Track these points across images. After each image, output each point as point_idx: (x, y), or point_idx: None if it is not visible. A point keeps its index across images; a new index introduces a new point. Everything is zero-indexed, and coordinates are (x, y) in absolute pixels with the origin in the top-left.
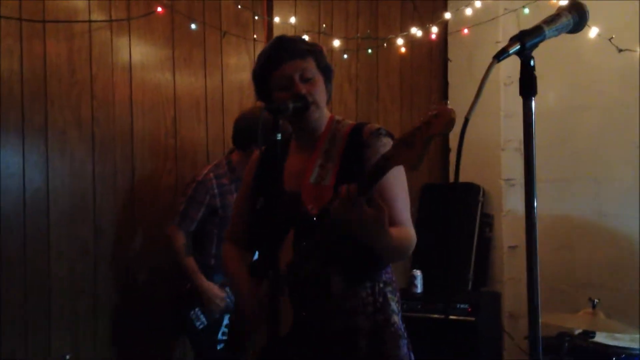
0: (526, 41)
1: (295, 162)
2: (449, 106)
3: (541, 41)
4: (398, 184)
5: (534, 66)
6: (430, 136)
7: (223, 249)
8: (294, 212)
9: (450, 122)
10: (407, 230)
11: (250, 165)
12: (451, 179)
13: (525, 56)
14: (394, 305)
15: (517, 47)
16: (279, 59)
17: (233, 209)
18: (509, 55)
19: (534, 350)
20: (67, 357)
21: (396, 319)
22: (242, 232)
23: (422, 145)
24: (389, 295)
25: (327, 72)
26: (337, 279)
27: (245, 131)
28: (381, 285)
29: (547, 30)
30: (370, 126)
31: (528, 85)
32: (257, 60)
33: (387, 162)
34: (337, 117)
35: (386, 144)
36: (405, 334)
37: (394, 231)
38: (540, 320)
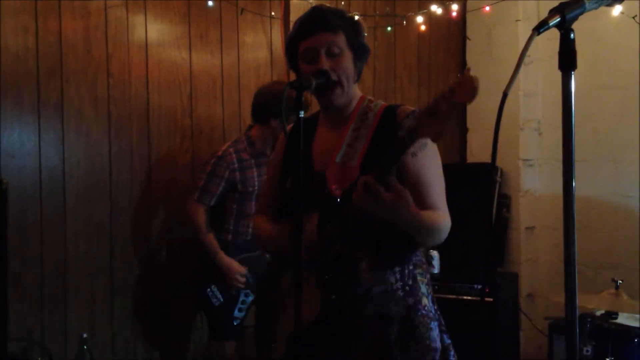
0: (566, 13)
1: (324, 141)
2: (472, 74)
3: (581, 13)
4: (433, 166)
5: (573, 39)
6: (454, 104)
7: (255, 220)
8: (319, 193)
9: (474, 90)
10: (440, 214)
11: (281, 140)
12: (468, 159)
13: (565, 29)
14: (424, 288)
15: (558, 19)
16: (309, 29)
17: (263, 186)
18: (549, 27)
19: (571, 331)
20: (84, 335)
21: (426, 301)
22: (272, 207)
23: (446, 114)
24: (419, 278)
25: (359, 49)
26: (365, 264)
27: (263, 105)
28: (411, 267)
29: (587, 3)
30: (404, 107)
31: (568, 59)
32: (292, 28)
33: (411, 135)
34: (369, 97)
35: None
36: (437, 315)
37: (425, 214)
38: (577, 302)
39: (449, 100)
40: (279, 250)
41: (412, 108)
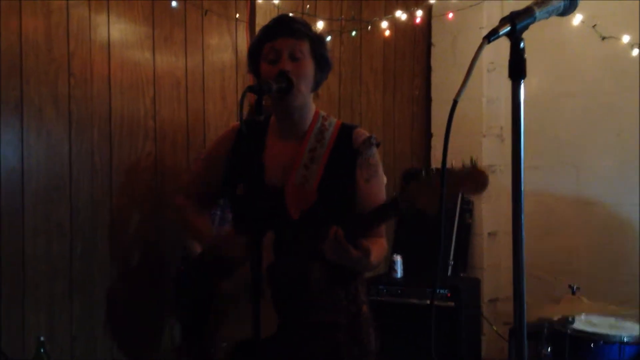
0: (517, 22)
1: (277, 153)
2: (483, 169)
3: (532, 23)
4: (381, 193)
5: (523, 48)
6: (458, 192)
7: (177, 201)
8: (275, 212)
9: (484, 187)
10: (382, 245)
11: (226, 135)
12: (432, 164)
13: (515, 38)
14: (363, 296)
15: (508, 28)
16: (275, 32)
17: (195, 169)
18: (500, 36)
19: (519, 337)
20: (42, 338)
21: (365, 308)
22: (200, 194)
23: (447, 196)
24: (359, 287)
25: (321, 61)
26: (316, 279)
27: None
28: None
29: (537, 12)
30: (359, 132)
31: (517, 67)
32: (258, 32)
33: (410, 206)
34: (322, 113)
35: (375, 153)
36: (373, 322)
37: (375, 253)
38: (525, 307)
39: (452, 188)
40: (209, 249)
41: (367, 133)
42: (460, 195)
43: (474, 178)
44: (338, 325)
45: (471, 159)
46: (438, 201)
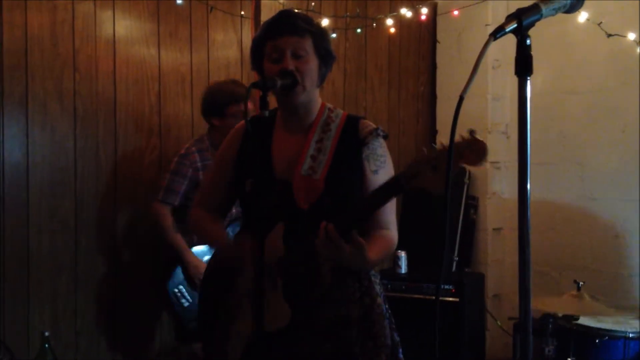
0: (523, 19)
1: (285, 145)
2: (480, 138)
3: (538, 20)
4: None
5: (530, 45)
6: (460, 166)
7: (192, 212)
8: (284, 204)
9: (483, 155)
10: (389, 238)
11: (234, 136)
12: None
13: (521, 35)
14: (377, 288)
15: (514, 25)
16: (277, 30)
17: (206, 177)
18: (506, 33)
19: (524, 332)
20: (46, 333)
21: (380, 300)
22: (214, 202)
23: (448, 170)
24: (373, 279)
25: (325, 56)
26: (326, 270)
27: (210, 102)
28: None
29: (544, 9)
30: (366, 123)
31: (524, 64)
32: (259, 29)
33: (410, 181)
34: (329, 105)
35: (382, 145)
36: (388, 314)
37: (376, 246)
38: (530, 304)
39: (455, 161)
40: (227, 259)
41: (373, 125)
42: (466, 182)
43: (474, 148)
44: (350, 320)
45: (470, 130)
46: (442, 179)
